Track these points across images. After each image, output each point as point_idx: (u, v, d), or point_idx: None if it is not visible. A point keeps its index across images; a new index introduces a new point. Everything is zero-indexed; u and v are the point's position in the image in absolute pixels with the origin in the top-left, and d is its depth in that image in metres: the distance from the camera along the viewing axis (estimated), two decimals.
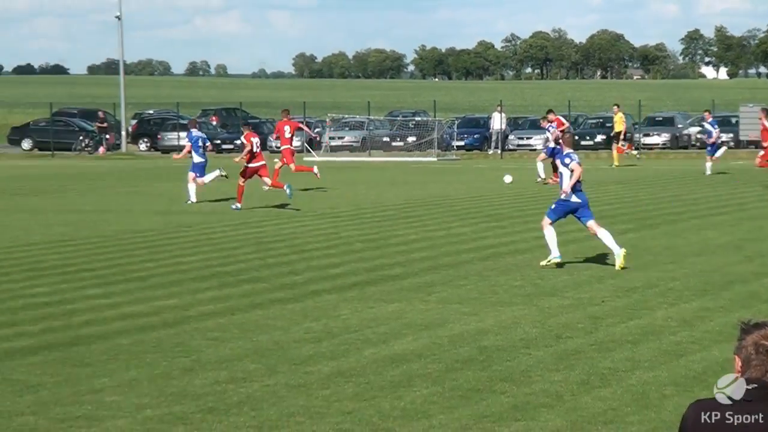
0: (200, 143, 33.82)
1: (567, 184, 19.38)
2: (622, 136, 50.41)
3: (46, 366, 12.40)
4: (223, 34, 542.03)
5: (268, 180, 32.05)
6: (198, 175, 33.37)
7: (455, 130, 67.16)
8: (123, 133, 71.63)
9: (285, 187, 31.50)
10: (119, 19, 72.23)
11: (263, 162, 31.75)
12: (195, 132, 34.38)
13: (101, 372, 12.13)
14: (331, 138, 66.93)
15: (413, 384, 11.53)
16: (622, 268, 18.96)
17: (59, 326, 14.65)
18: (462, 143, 67.11)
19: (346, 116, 74.00)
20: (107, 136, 69.86)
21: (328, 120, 70.70)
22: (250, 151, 31.42)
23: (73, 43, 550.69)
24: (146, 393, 11.25)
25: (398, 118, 73.84)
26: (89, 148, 68.71)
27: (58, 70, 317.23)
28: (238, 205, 30.85)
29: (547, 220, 19.60)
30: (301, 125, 39.53)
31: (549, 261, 19.44)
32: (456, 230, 25.44)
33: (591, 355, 12.78)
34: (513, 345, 13.38)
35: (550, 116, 40.07)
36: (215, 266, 20.03)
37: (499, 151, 63.14)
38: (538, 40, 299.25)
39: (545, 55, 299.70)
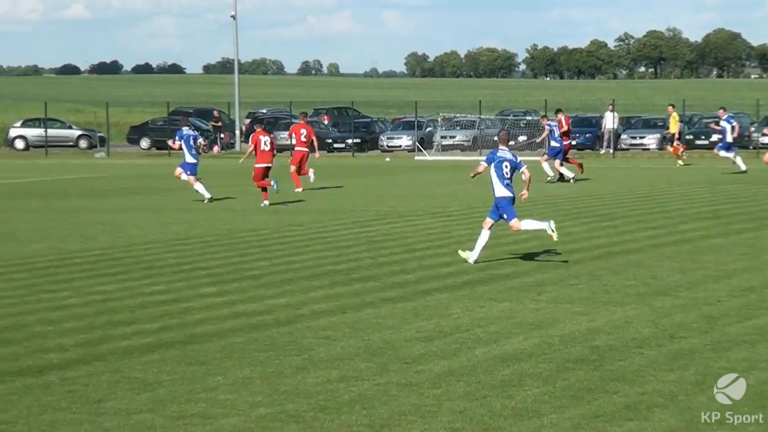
0: (192, 142, 34.00)
1: (475, 171, 20.65)
2: (677, 136, 51.20)
3: (162, 364, 12.61)
4: (335, 34, 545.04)
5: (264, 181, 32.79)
6: (189, 172, 33.74)
7: None
8: (237, 132, 72.40)
9: (272, 183, 32.39)
10: (234, 18, 72.97)
11: (269, 164, 32.68)
12: (186, 130, 34.43)
13: (215, 370, 12.30)
14: (442, 137, 66.93)
15: (524, 383, 11.50)
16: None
17: (175, 324, 14.87)
18: (573, 142, 66.62)
19: (458, 115, 73.96)
20: (222, 135, 70.73)
21: (439, 119, 70.70)
22: (255, 150, 32.51)
23: (189, 43, 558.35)
24: (259, 391, 11.38)
25: (509, 118, 73.56)
26: (204, 147, 69.58)
27: (175, 69, 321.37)
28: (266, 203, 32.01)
29: (489, 221, 20.21)
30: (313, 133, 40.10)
31: (466, 259, 20.01)
32: (567, 229, 25.27)
33: (706, 355, 12.63)
34: (625, 345, 13.28)
35: (559, 116, 41.24)
36: (327, 265, 20.17)
37: (612, 151, 62.61)
38: (652, 39, 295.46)
39: (659, 54, 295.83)
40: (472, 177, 21.18)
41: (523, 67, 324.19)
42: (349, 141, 69.28)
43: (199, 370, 12.28)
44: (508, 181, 20.25)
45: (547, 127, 41.58)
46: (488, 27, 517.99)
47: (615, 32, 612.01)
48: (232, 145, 71.52)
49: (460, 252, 20.43)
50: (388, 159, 61.19)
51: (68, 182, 45.04)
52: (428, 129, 70.58)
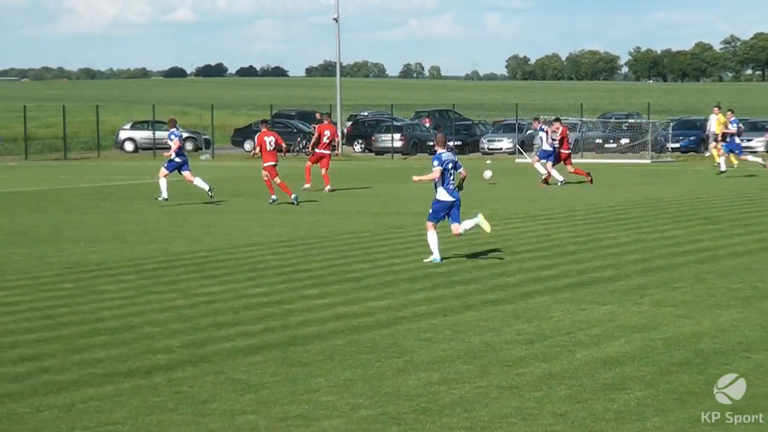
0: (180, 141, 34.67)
1: (422, 176, 21.55)
2: (719, 138, 51.86)
3: (265, 365, 12.75)
4: (437, 36, 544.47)
5: (278, 179, 33.84)
6: (166, 166, 34.28)
7: (670, 132, 65.99)
8: (339, 134, 72.74)
9: (292, 197, 33.23)
10: (336, 21, 73.32)
11: (274, 162, 33.98)
12: (176, 131, 34.88)
13: (317, 372, 12.40)
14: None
15: (626, 386, 11.44)
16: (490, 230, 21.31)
17: (278, 326, 15.03)
18: (677, 145, 65.94)
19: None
20: None
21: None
22: (261, 150, 33.91)
23: (292, 45, 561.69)
24: (361, 393, 11.46)
25: (611, 120, 72.96)
26: (306, 149, 70.05)
27: (278, 72, 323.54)
28: (294, 196, 33.25)
29: (430, 224, 21.00)
30: (337, 134, 42.73)
31: (428, 260, 20.73)
32: (670, 232, 25.06)
33: None
34: (731, 348, 13.14)
35: (555, 125, 42.90)
36: (428, 267, 20.22)
37: None
38: (759, 41, 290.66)
39: (767, 57, 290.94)
40: (416, 181, 22.16)
41: (625, 69, 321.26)
42: (450, 143, 69.19)
43: (302, 372, 12.40)
44: (453, 185, 21.15)
45: (540, 132, 43.47)
46: (590, 30, 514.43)
47: (721, 34, 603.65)
48: (334, 148, 71.80)
49: (425, 260, 20.82)
50: (488, 161, 61.05)
51: (174, 184, 45.60)
52: (529, 132, 70.26)
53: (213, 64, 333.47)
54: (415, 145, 69.97)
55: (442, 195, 21.04)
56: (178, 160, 34.25)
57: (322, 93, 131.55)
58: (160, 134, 75.24)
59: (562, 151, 42.16)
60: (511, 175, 48.60)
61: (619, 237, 24.39)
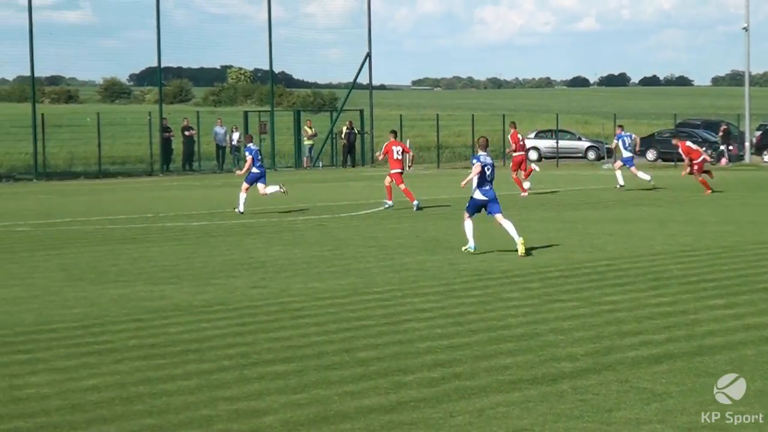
0: (258, 155, 35.36)
1: (466, 180, 23.86)
2: None
3: (671, 375, 12.61)
4: None
5: (402, 186, 35.93)
6: (248, 180, 35.00)
7: None
8: (746, 144, 71.04)
9: (414, 202, 35.74)
10: (746, 30, 71.67)
11: (400, 169, 36.02)
12: (252, 146, 36.12)
13: None
14: None
15: None
16: (523, 255, 22.77)
17: (682, 336, 14.83)
18: None
19: None
20: (730, 147, 69.61)
21: None
22: (389, 158, 35.98)
23: (698, 55, 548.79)
24: None
25: None
26: (711, 159, 68.69)
27: (682, 81, 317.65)
28: (416, 202, 35.78)
29: (465, 215, 23.67)
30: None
31: (465, 249, 23.50)
32: None
33: None
34: None
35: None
36: None
37: None
38: None
39: None
40: (464, 186, 23.98)
41: None
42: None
43: (709, 382, 12.16)
44: (489, 185, 23.39)
45: (617, 139, 45.99)
46: None
47: None
48: (741, 157, 70.12)
49: (463, 249, 23.54)
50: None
51: (577, 193, 45.85)
52: None
53: (616, 73, 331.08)
54: None
55: (477, 195, 23.48)
56: (256, 171, 35.16)
57: (728, 102, 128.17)
58: (563, 143, 75.98)
59: (696, 162, 43.18)
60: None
61: None
